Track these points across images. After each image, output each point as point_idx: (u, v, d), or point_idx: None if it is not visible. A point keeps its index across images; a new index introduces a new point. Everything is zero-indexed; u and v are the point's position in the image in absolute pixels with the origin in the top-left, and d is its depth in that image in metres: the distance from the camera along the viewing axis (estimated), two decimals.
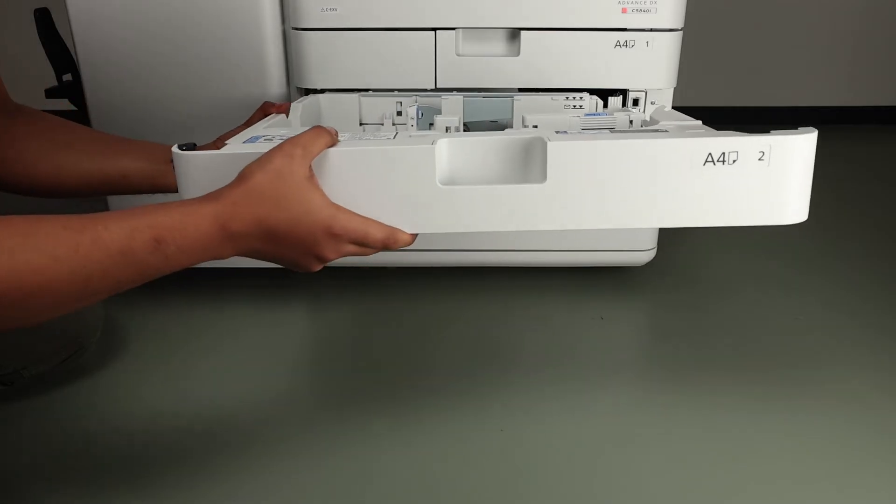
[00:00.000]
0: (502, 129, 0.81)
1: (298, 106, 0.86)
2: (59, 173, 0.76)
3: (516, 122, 0.90)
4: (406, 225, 0.59)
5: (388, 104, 0.95)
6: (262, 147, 0.57)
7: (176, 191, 0.70)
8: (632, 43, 1.00)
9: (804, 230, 1.40)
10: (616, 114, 0.75)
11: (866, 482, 0.74)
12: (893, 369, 0.93)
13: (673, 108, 1.07)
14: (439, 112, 0.90)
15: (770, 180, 0.59)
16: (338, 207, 0.56)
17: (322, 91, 1.01)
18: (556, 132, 0.62)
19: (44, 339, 0.84)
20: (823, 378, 0.91)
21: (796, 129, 0.60)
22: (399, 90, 0.98)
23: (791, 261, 1.26)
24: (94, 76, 1.01)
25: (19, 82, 2.12)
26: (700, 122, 0.70)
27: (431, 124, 0.86)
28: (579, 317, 1.07)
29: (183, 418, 0.84)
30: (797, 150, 0.59)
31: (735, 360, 0.96)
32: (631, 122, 0.78)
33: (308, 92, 1.05)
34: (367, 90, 0.98)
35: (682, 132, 0.62)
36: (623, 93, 1.06)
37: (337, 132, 0.61)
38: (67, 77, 1.08)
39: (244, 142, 0.62)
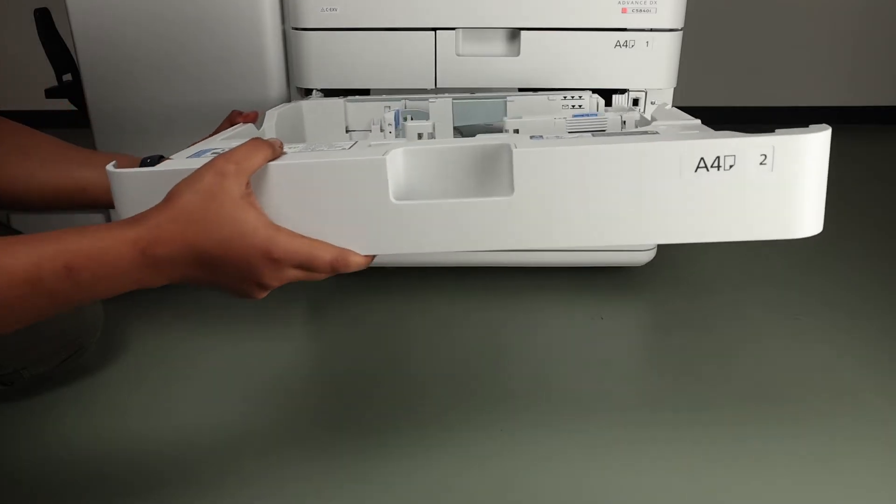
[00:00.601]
0: (498, 132, 0.79)
1: (274, 113, 0.80)
2: (13, 182, 0.72)
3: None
4: (358, 246, 0.53)
5: (376, 109, 0.90)
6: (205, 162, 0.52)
7: None
8: (632, 43, 1.00)
9: None
10: (607, 114, 0.68)
11: (866, 483, 0.74)
12: (894, 370, 0.93)
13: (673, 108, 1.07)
14: (428, 116, 0.86)
15: (774, 188, 0.51)
16: (278, 229, 0.51)
17: (309, 92, 1.01)
18: (532, 137, 0.56)
19: (44, 339, 0.84)
20: (823, 378, 0.91)
21: (807, 126, 0.53)
22: (388, 93, 0.95)
23: (791, 261, 1.26)
24: (94, 76, 1.01)
25: (19, 82, 2.12)
26: (699, 122, 0.64)
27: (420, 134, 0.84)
28: (579, 317, 1.07)
29: (182, 419, 0.84)
30: (806, 151, 0.52)
31: (735, 359, 0.96)
32: (624, 122, 0.70)
33: (308, 92, 1.05)
34: (353, 94, 0.93)
35: (673, 134, 0.55)
36: (623, 93, 1.06)
37: (282, 144, 0.55)
38: (67, 77, 1.08)
39: (189, 156, 0.57)
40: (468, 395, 0.88)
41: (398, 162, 0.53)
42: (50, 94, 1.08)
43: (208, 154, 0.56)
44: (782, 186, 0.52)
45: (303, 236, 0.52)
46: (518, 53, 1.01)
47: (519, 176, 0.51)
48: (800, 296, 1.13)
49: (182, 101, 1.03)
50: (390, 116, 0.78)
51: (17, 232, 0.90)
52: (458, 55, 1.01)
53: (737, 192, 0.51)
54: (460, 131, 0.86)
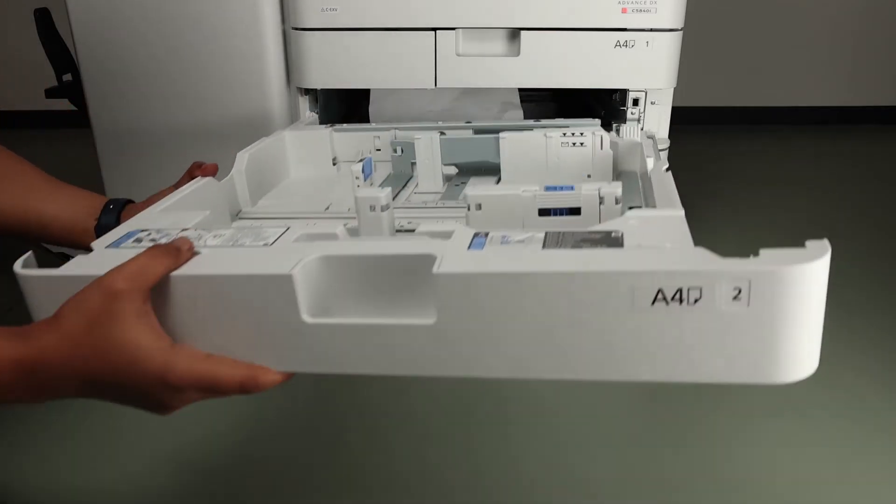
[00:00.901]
0: (493, 170, 0.76)
1: (244, 157, 0.74)
2: None
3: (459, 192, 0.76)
4: (270, 363, 0.47)
5: (364, 140, 0.86)
6: (125, 255, 0.46)
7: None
8: (632, 43, 1.00)
9: (804, 230, 1.40)
10: (583, 188, 0.57)
11: (866, 481, 0.74)
12: (894, 369, 0.93)
13: (673, 108, 1.07)
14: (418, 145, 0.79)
15: (752, 328, 0.42)
16: (177, 351, 0.46)
17: (308, 92, 1.01)
18: (476, 235, 0.47)
19: None
20: (823, 378, 0.91)
21: (803, 245, 0.44)
22: (377, 126, 0.89)
23: None
24: (94, 76, 1.01)
25: (19, 82, 2.12)
26: (681, 215, 0.51)
27: (413, 163, 0.79)
28: None
29: (180, 420, 0.84)
30: (793, 285, 0.42)
31: None
32: (601, 199, 0.57)
33: (308, 92, 1.05)
34: (339, 124, 0.88)
35: (635, 249, 0.45)
36: (623, 93, 1.06)
37: (191, 246, 0.49)
38: (67, 77, 1.08)
39: (109, 245, 0.52)
40: (467, 392, 0.88)
41: (312, 272, 0.46)
42: (50, 94, 1.08)
43: (130, 241, 0.52)
44: (762, 326, 0.42)
45: (206, 356, 0.47)
46: (518, 53, 1.01)
47: (441, 298, 0.43)
48: None
49: (182, 100, 1.03)
50: (358, 169, 0.70)
51: None
52: (458, 55, 1.01)
53: (703, 331, 0.42)
54: (458, 167, 0.81)
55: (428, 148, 0.77)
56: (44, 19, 1.08)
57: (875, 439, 0.80)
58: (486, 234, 0.48)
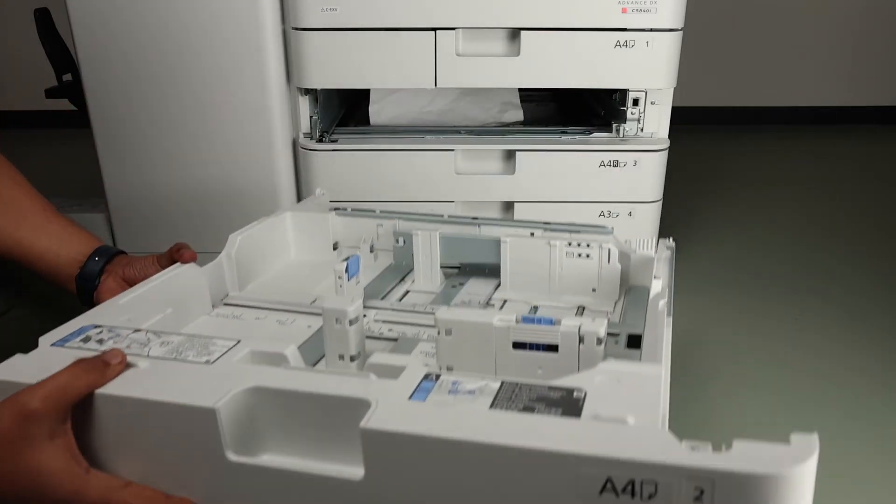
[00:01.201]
0: (496, 270, 0.72)
1: (236, 239, 0.71)
2: None
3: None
4: (192, 495, 0.45)
5: (366, 226, 0.81)
6: (67, 358, 0.45)
7: (75, 293, 0.65)
8: (632, 43, 1.00)
9: (804, 230, 1.40)
10: (563, 324, 0.51)
11: (865, 482, 0.74)
12: (893, 368, 0.93)
13: (673, 108, 1.07)
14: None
15: None
16: (90, 477, 0.43)
17: (308, 92, 1.01)
18: (427, 377, 0.44)
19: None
20: (823, 377, 0.91)
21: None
22: (382, 210, 0.82)
23: (791, 260, 1.26)
24: (94, 76, 1.01)
25: (19, 82, 2.12)
26: (659, 373, 0.45)
27: (405, 262, 0.76)
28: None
29: None
30: (768, 492, 0.35)
31: (735, 359, 0.96)
32: (581, 338, 0.51)
33: (308, 92, 1.05)
34: (343, 208, 0.83)
35: (592, 422, 0.39)
36: (623, 93, 1.06)
37: (123, 359, 0.46)
38: (67, 77, 1.08)
39: (55, 343, 0.50)
40: None
41: (240, 404, 0.43)
42: (50, 94, 1.08)
43: (77, 340, 0.50)
44: None
45: (124, 485, 0.44)
46: (518, 53, 1.01)
47: (368, 455, 0.40)
48: (800, 294, 1.13)
49: (182, 100, 1.03)
50: (341, 268, 0.65)
51: None
52: (458, 55, 1.01)
53: None
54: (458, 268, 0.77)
55: (427, 245, 0.75)
56: (44, 19, 1.08)
57: (875, 439, 0.80)
58: (437, 378, 0.44)
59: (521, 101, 1.19)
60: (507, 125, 1.16)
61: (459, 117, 1.15)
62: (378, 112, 1.14)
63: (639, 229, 1.11)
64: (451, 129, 1.12)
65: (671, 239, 0.79)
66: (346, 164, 1.06)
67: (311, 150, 1.06)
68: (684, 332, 1.03)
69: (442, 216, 0.78)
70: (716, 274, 1.21)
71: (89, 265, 0.68)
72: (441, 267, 0.76)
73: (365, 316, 0.65)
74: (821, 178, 1.70)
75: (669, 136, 1.09)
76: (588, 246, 0.69)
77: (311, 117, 1.06)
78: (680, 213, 1.42)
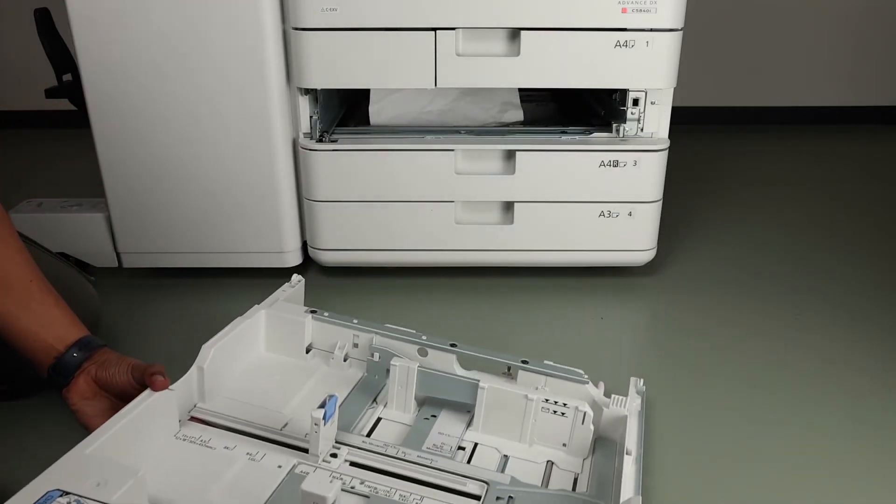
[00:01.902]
0: (464, 410, 0.74)
1: (209, 352, 0.72)
2: None
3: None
4: None
5: (342, 334, 0.81)
6: None
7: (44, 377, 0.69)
8: (632, 43, 1.00)
9: (804, 230, 1.40)
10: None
11: (865, 480, 0.74)
12: (893, 368, 0.93)
13: (673, 108, 1.07)
14: (396, 355, 0.76)
15: None
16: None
17: (308, 92, 1.01)
18: None
19: None
20: (823, 377, 0.91)
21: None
22: (357, 323, 0.81)
23: (791, 260, 1.26)
24: (94, 76, 1.01)
25: (19, 82, 2.12)
26: None
27: (388, 370, 0.76)
28: (579, 317, 1.07)
29: None
30: None
31: (735, 359, 0.96)
32: None
33: (308, 92, 1.05)
34: (322, 311, 0.83)
35: None
36: (623, 93, 1.06)
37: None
38: (67, 77, 1.08)
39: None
40: None
41: None
42: (50, 94, 1.08)
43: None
44: None
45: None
46: (518, 53, 1.01)
47: None
48: (800, 294, 1.13)
49: (182, 101, 1.02)
50: (318, 415, 0.63)
51: (18, 234, 0.89)
52: (458, 55, 1.01)
53: None
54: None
55: (404, 376, 0.75)
56: (44, 19, 1.08)
57: (875, 439, 0.80)
58: None
59: (521, 101, 1.19)
60: (507, 125, 1.16)
61: (459, 117, 1.15)
62: (378, 112, 1.14)
63: (639, 229, 1.11)
64: (451, 129, 1.12)
65: (642, 381, 0.82)
66: (346, 164, 1.06)
67: (311, 150, 1.06)
68: (684, 332, 1.03)
69: (421, 336, 0.78)
70: (716, 274, 1.21)
71: (67, 358, 0.69)
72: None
73: (335, 457, 0.66)
74: (821, 178, 1.70)
75: (669, 136, 1.09)
76: (565, 405, 0.70)
77: (311, 117, 1.06)
78: (680, 213, 1.43)
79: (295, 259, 1.15)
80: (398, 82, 1.03)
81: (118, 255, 1.13)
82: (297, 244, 1.15)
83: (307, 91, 1.05)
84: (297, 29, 0.99)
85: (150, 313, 1.08)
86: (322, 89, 1.06)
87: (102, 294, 0.90)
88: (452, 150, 1.06)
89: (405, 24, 0.99)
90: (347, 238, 1.12)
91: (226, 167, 1.06)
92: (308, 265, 1.18)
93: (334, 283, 1.17)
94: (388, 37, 0.99)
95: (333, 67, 1.01)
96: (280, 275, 1.17)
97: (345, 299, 1.13)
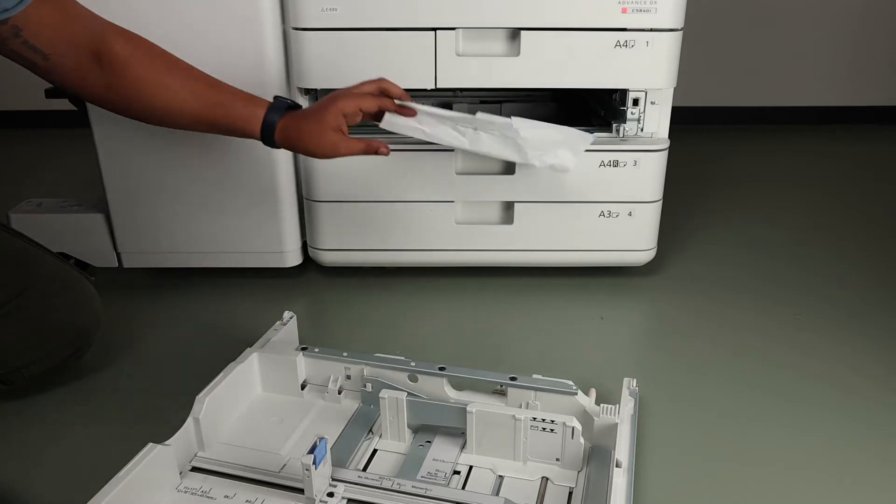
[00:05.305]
0: (458, 433, 0.74)
1: (203, 402, 0.72)
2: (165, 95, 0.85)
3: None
4: None
5: (334, 368, 0.82)
6: None
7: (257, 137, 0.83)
8: (632, 43, 1.00)
9: (804, 230, 1.40)
10: None
11: (864, 479, 0.74)
12: (892, 369, 0.93)
13: (673, 108, 1.07)
14: (390, 385, 0.78)
15: None
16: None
17: (308, 92, 1.01)
18: None
19: (43, 338, 0.84)
20: (823, 377, 0.91)
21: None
22: (347, 356, 0.82)
23: (791, 261, 1.26)
24: None
25: (19, 82, 2.12)
26: None
27: (373, 405, 0.78)
28: (579, 317, 1.07)
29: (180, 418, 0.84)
30: None
31: (735, 359, 0.96)
32: None
33: (308, 92, 1.05)
34: (312, 348, 0.83)
35: None
36: (623, 93, 1.06)
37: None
38: None
39: None
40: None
41: None
42: (50, 94, 1.07)
43: None
44: None
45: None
46: (518, 53, 1.01)
47: None
48: (800, 295, 1.13)
49: None
50: (308, 461, 0.63)
51: (18, 234, 0.90)
52: (458, 55, 1.01)
53: None
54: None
55: (394, 407, 0.75)
56: None
57: (874, 439, 0.80)
58: None
59: (521, 100, 1.18)
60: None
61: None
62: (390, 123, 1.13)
63: (639, 229, 1.11)
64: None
65: (634, 382, 0.82)
66: (345, 164, 1.06)
67: None
68: (684, 331, 1.03)
69: (410, 363, 0.79)
70: (715, 274, 1.21)
71: (271, 112, 0.84)
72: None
73: (332, 495, 0.66)
74: (821, 178, 1.70)
75: (669, 136, 1.09)
76: (553, 422, 0.70)
77: None
78: (680, 213, 1.43)
79: (295, 259, 1.15)
80: (398, 82, 1.03)
81: (118, 254, 1.13)
82: (298, 244, 1.15)
83: (307, 91, 1.05)
84: (296, 29, 0.99)
85: (151, 313, 1.08)
86: (322, 89, 1.06)
87: (102, 294, 0.90)
88: (452, 150, 1.06)
89: (405, 24, 0.99)
90: (347, 238, 1.12)
91: (226, 167, 1.06)
92: (308, 265, 1.18)
93: (334, 283, 1.17)
94: (388, 37, 0.99)
95: (333, 67, 1.01)
96: (280, 275, 1.17)
97: (345, 299, 1.13)
